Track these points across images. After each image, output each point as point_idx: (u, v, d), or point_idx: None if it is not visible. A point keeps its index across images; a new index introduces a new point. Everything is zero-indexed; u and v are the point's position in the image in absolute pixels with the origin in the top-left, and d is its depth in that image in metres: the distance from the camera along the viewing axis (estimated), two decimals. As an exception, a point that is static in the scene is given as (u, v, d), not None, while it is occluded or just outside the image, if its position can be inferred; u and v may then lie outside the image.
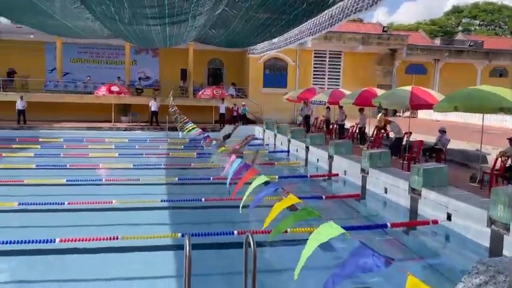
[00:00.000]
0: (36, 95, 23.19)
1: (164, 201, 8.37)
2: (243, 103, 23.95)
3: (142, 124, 22.92)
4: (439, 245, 7.10)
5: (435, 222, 7.15)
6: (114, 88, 21.72)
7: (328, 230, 2.21)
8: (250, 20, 8.38)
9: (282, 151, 16.23)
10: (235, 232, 6.12)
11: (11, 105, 21.27)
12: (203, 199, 8.29)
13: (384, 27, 28.18)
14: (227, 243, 6.21)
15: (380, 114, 14.70)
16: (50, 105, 22.89)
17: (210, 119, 23.51)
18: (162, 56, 27.48)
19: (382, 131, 14.48)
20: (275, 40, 12.49)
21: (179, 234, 6.02)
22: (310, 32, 8.41)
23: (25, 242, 5.66)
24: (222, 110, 23.23)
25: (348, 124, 17.55)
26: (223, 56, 27.59)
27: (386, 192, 9.11)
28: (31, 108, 21.62)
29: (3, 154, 13.21)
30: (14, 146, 14.97)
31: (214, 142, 6.38)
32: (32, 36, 22.82)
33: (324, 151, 12.64)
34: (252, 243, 3.39)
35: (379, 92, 13.88)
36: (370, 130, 15.22)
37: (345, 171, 11.14)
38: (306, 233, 6.36)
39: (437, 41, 30.52)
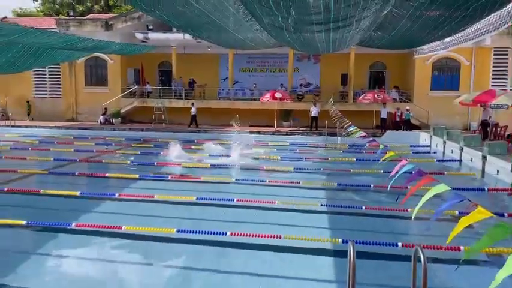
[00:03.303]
0: (212, 102, 26.11)
1: (323, 205, 8.42)
2: (407, 107, 22.54)
3: (302, 129, 23.55)
4: None
5: None
6: (278, 94, 22.92)
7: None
8: (420, 19, 7.83)
9: (452, 160, 14.72)
10: (400, 244, 5.76)
11: (189, 111, 24.38)
12: (363, 207, 8.05)
13: None
14: (389, 255, 5.89)
15: None
16: (222, 110, 25.40)
17: (370, 124, 22.81)
18: (323, 61, 27.83)
19: None
20: (447, 39, 11.43)
21: (339, 240, 5.96)
22: (493, 27, 7.43)
23: (200, 233, 6.35)
24: (384, 115, 22.28)
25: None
26: (386, 59, 26.49)
27: None
28: (207, 113, 24.38)
29: (185, 153, 15.14)
30: (193, 147, 16.99)
31: (381, 147, 6.04)
32: (209, 49, 25.67)
33: (506, 162, 11.01)
34: (422, 257, 3.13)
35: None
36: None
37: (534, 187, 9.49)
38: (482, 252, 5.63)
39: None
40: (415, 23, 8.05)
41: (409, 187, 4.91)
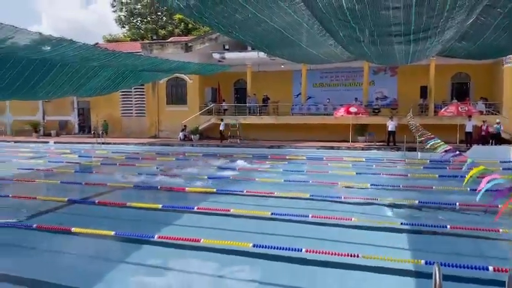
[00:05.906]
0: (285, 117, 26.29)
1: (404, 224, 8.03)
2: (498, 120, 20.88)
3: (378, 144, 22.79)
4: None
5: None
6: (352, 109, 22.48)
7: None
8: (509, 27, 7.28)
9: (550, 177, 13.30)
10: (491, 268, 5.30)
11: (263, 127, 24.71)
12: (448, 226, 7.54)
13: None
14: (479, 279, 5.44)
15: None
16: (296, 126, 25.47)
17: (454, 139, 21.44)
18: (400, 74, 26.88)
19: None
20: (541, 45, 10.48)
21: (422, 261, 5.63)
22: None
23: (276, 248, 6.35)
24: (469, 129, 20.85)
25: None
26: (470, 69, 24.90)
27: None
28: (281, 129, 24.58)
29: (259, 168, 15.36)
30: (267, 163, 17.18)
31: (469, 161, 5.57)
32: (282, 66, 26.03)
33: None
34: (519, 284, 2.85)
35: None
36: None
37: None
38: None
39: None
40: (504, 32, 7.49)
41: (500, 205, 4.53)
